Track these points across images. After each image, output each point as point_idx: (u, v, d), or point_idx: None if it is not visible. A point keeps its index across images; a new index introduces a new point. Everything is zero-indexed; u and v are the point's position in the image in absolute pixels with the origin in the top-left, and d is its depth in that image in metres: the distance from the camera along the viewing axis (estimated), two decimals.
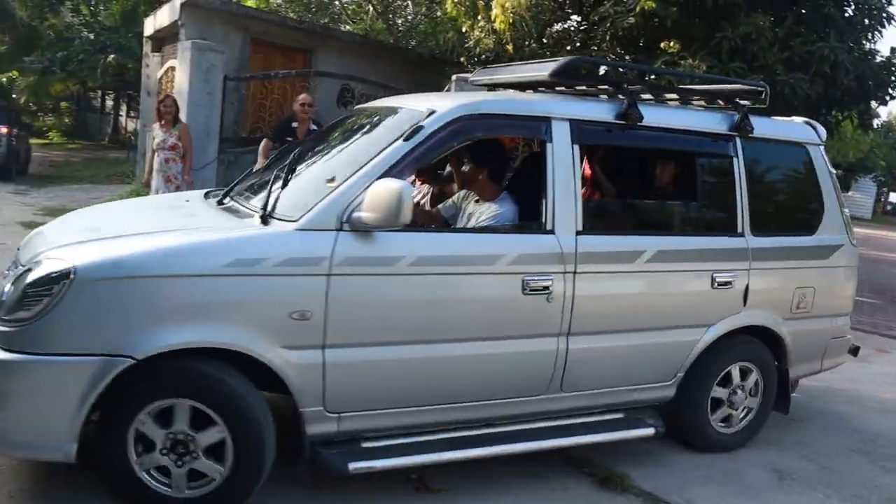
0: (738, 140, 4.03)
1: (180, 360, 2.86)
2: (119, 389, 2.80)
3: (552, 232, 3.45)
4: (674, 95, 4.32)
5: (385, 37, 12.14)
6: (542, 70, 3.81)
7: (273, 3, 12.20)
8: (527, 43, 10.45)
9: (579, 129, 3.62)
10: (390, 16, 13.69)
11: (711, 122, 4.06)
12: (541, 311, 3.45)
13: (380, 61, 12.04)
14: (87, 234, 3.17)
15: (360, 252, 3.04)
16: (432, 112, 3.32)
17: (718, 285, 3.89)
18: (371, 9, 14.06)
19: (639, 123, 3.71)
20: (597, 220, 3.84)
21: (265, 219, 3.06)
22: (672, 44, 8.63)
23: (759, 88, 4.09)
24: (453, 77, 9.73)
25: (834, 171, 4.50)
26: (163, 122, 7.82)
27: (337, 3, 13.37)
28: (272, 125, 8.59)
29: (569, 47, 10.83)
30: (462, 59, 11.73)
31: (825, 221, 4.34)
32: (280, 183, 3.28)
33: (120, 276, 2.77)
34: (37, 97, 28.95)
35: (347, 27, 13.58)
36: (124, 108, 27.89)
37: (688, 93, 4.37)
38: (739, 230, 4.00)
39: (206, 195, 3.96)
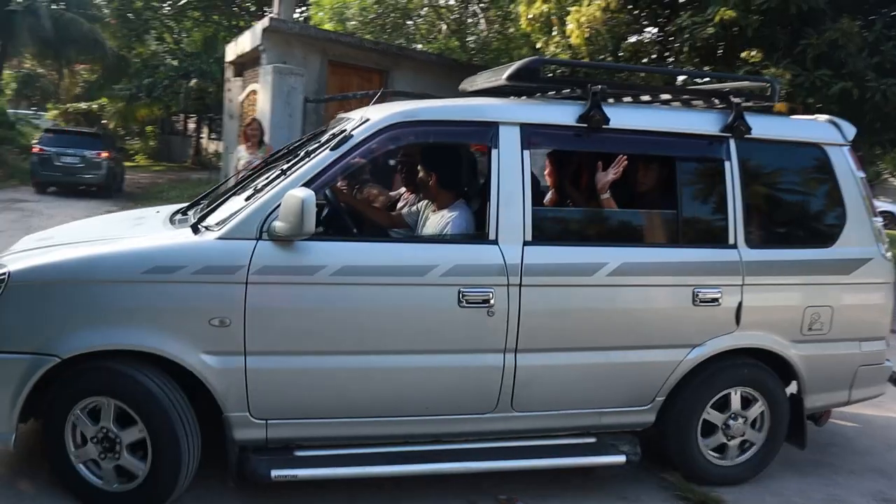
0: (731, 142, 3.65)
1: (105, 362, 3.06)
2: (57, 387, 3.08)
3: (495, 242, 3.31)
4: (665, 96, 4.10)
5: (459, 55, 12.23)
6: (500, 74, 3.64)
7: (349, 25, 12.46)
8: (602, 57, 10.37)
9: (532, 134, 3.45)
10: (463, 34, 13.81)
11: (699, 122, 3.72)
12: (481, 325, 3.28)
13: (454, 79, 12.09)
14: (43, 243, 3.53)
15: (278, 261, 3.07)
16: (365, 120, 3.32)
17: (702, 302, 3.54)
18: (444, 27, 14.20)
19: (605, 126, 3.48)
20: (550, 229, 3.58)
21: (196, 228, 3.18)
22: (753, 53, 8.42)
23: (764, 84, 3.79)
24: None
25: (863, 174, 3.95)
26: (249, 144, 8.09)
27: (411, 23, 13.55)
28: None
29: (645, 60, 10.70)
30: None
31: (847, 232, 3.81)
32: (228, 194, 3.45)
33: (47, 281, 3.06)
34: (124, 122, 30.39)
35: (420, 46, 13.74)
36: (205, 130, 28.94)
37: (674, 91, 4.17)
38: (731, 241, 3.61)
39: (178, 211, 4.00)
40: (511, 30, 13.17)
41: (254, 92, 11.25)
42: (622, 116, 3.57)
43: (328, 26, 12.40)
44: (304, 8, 19.96)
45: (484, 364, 3.35)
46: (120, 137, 30.41)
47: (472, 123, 3.48)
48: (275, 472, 3.12)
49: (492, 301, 3.26)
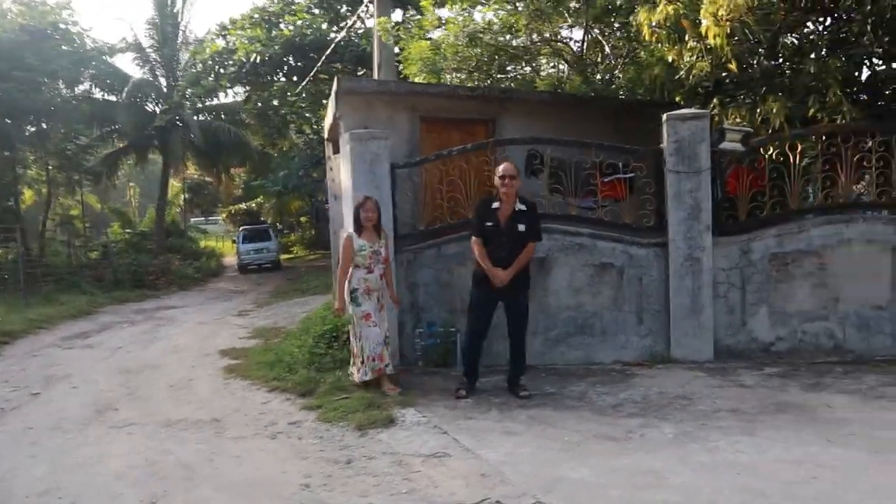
0: None
1: None
2: None
3: None
4: None
5: (579, 89, 10.29)
6: None
7: (448, 79, 10.94)
8: (754, 59, 8.06)
9: None
10: (584, 68, 11.86)
11: None
12: None
13: (577, 118, 10.19)
14: None
15: None
16: None
17: None
18: (564, 66, 12.34)
19: None
20: None
21: None
22: None
23: None
24: (664, 117, 7.66)
25: None
26: (365, 231, 6.83)
27: (519, 67, 11.82)
28: (474, 216, 6.86)
29: (812, 55, 8.23)
30: (677, 97, 9.52)
31: None
32: None
33: None
34: (280, 216, 31.06)
35: (536, 87, 11.93)
36: None
37: None
38: None
39: None
40: (641, 53, 11.06)
41: None
42: None
43: (419, 79, 10.96)
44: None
45: None
46: (279, 231, 31.12)
47: None
48: None
49: None
